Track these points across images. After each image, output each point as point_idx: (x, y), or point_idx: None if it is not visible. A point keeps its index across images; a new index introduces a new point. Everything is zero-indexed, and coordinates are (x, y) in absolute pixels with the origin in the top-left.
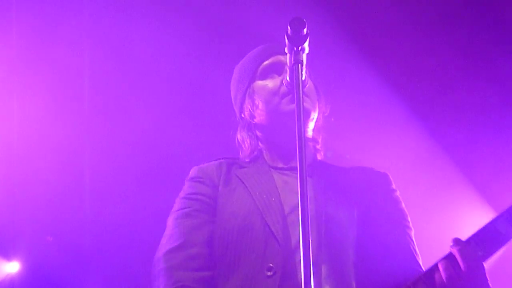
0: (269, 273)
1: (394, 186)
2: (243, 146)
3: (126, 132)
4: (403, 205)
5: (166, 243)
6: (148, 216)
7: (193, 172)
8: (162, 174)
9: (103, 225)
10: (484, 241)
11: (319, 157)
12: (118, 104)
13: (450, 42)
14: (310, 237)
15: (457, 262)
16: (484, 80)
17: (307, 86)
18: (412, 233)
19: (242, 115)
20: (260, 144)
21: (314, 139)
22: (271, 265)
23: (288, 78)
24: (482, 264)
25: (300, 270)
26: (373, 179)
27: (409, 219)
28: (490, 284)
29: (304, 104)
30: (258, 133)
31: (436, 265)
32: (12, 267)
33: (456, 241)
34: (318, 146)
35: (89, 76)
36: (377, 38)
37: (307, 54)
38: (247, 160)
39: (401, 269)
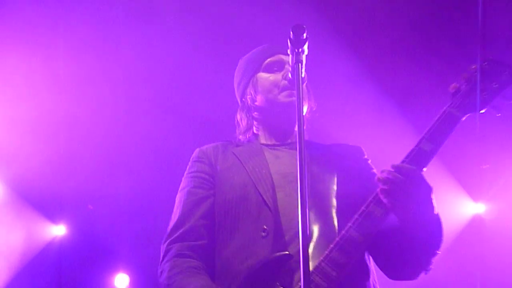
0: (263, 234)
1: (366, 156)
2: (240, 124)
3: (150, 123)
4: (375, 170)
5: (171, 221)
6: (167, 188)
7: (195, 153)
8: (175, 154)
9: (132, 196)
10: (414, 160)
11: (306, 137)
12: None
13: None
14: (305, 192)
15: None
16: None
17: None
18: None
19: (243, 99)
20: (255, 123)
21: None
22: (265, 227)
23: (290, 75)
24: (418, 172)
25: (288, 229)
26: (349, 150)
27: None
28: (428, 182)
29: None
30: (255, 115)
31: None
32: (59, 230)
33: (393, 164)
34: (305, 128)
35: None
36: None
37: (306, 55)
38: (242, 139)
39: None
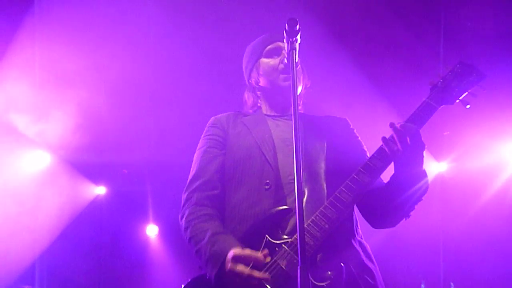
0: (266, 187)
1: (352, 126)
2: (247, 101)
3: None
4: (360, 138)
5: (189, 175)
6: (189, 154)
7: (210, 120)
8: (195, 122)
9: (158, 162)
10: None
11: (301, 110)
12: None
13: None
14: (300, 158)
15: (396, 136)
16: None
17: (298, 67)
18: (366, 149)
19: (250, 81)
20: (259, 100)
21: (298, 99)
22: (267, 181)
23: (286, 60)
24: (417, 129)
25: (286, 184)
26: (337, 121)
27: (364, 145)
28: (424, 143)
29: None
30: (259, 93)
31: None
32: (100, 190)
33: (391, 123)
34: (300, 103)
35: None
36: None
37: (299, 43)
38: (249, 111)
39: (358, 166)
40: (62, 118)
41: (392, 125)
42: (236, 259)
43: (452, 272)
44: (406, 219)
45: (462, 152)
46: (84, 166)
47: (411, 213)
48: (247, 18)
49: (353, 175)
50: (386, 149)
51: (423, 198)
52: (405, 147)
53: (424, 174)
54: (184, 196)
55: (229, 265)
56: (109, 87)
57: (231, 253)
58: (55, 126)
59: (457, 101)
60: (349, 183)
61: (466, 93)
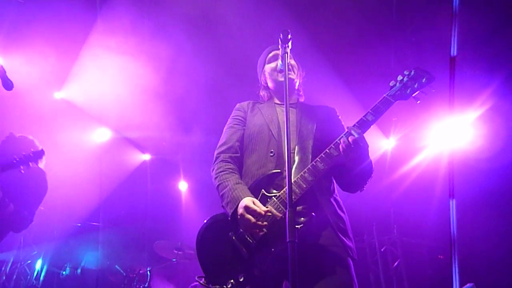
0: (271, 154)
1: (338, 114)
2: (263, 96)
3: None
4: (343, 123)
5: (219, 142)
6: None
7: (236, 106)
8: (227, 108)
9: (189, 137)
10: (361, 125)
11: (300, 99)
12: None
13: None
14: (289, 137)
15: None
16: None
17: (292, 64)
18: None
19: (262, 82)
20: (270, 94)
21: (298, 90)
22: (272, 150)
23: (280, 62)
24: (362, 136)
25: (286, 152)
26: (327, 110)
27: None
28: (366, 141)
29: (290, 76)
30: (269, 90)
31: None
32: (146, 156)
33: (348, 126)
34: (300, 93)
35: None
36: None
37: (290, 49)
38: (264, 100)
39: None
40: (118, 103)
41: (348, 128)
42: (246, 208)
43: (398, 220)
44: (361, 191)
45: (405, 132)
46: (134, 140)
47: (365, 187)
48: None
49: (326, 149)
50: (340, 147)
51: (368, 180)
52: (349, 147)
53: (369, 163)
54: (214, 155)
55: (240, 210)
56: (154, 79)
57: (244, 202)
58: (113, 109)
59: (410, 98)
60: (323, 155)
61: (418, 91)
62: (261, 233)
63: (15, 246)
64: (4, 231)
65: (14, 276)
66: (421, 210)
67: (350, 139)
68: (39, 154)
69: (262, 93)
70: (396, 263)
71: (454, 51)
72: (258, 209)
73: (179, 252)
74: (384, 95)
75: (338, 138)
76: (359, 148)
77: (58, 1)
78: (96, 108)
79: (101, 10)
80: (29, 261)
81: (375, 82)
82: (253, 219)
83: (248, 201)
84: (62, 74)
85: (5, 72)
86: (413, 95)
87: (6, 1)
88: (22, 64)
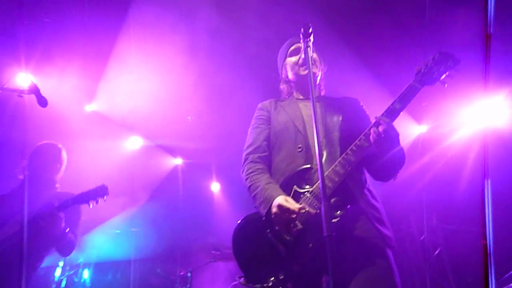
0: (299, 150)
1: (362, 104)
2: (283, 91)
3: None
4: (368, 112)
5: (245, 144)
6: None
7: (258, 106)
8: (248, 108)
9: (219, 139)
10: (389, 113)
11: (322, 93)
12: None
13: None
14: (318, 130)
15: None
16: None
17: (314, 58)
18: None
19: (283, 75)
20: (291, 88)
21: (319, 84)
22: (299, 145)
23: (303, 56)
24: (392, 124)
25: (313, 147)
26: (350, 100)
27: (371, 119)
28: (396, 129)
29: (313, 69)
30: (290, 84)
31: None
32: (178, 161)
33: (376, 116)
34: (322, 87)
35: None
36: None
37: (312, 42)
38: (285, 97)
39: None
40: (149, 112)
41: (376, 118)
42: (279, 207)
43: (436, 206)
44: (394, 179)
45: (437, 117)
46: (165, 145)
47: (397, 175)
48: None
49: (356, 141)
50: (371, 137)
51: (400, 168)
52: (379, 137)
53: (400, 152)
54: (243, 157)
55: (274, 209)
56: (182, 85)
57: (277, 201)
58: (146, 119)
59: (437, 82)
60: (353, 147)
61: (444, 75)
62: (297, 230)
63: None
64: (49, 251)
65: (63, 285)
66: (460, 195)
67: (380, 129)
68: (104, 191)
69: (282, 86)
70: (437, 251)
71: (490, 29)
72: (291, 207)
73: (217, 252)
74: (410, 82)
75: (367, 129)
76: (389, 137)
77: (82, 17)
78: (127, 117)
79: (125, 20)
80: (73, 271)
81: (401, 68)
82: (287, 217)
83: (281, 199)
84: (91, 87)
85: (39, 90)
86: (440, 79)
87: (34, 21)
88: (53, 81)
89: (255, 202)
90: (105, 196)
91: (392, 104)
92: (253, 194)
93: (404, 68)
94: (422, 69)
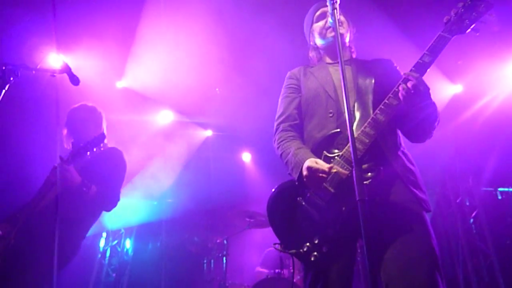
0: (330, 115)
1: (395, 64)
2: (312, 58)
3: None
4: (402, 73)
5: (276, 114)
6: (274, 94)
7: (287, 74)
8: (279, 75)
9: (248, 108)
10: (419, 68)
11: (353, 55)
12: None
13: None
14: (347, 93)
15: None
16: None
17: (341, 20)
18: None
19: (311, 42)
20: (320, 54)
21: (349, 46)
22: (331, 111)
23: (330, 19)
24: (421, 79)
25: (345, 111)
26: (383, 62)
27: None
28: (426, 83)
29: (340, 30)
30: (319, 50)
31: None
32: (208, 133)
33: (405, 73)
34: (352, 49)
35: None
36: None
37: (339, 4)
38: (315, 63)
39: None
40: (178, 86)
41: (404, 74)
42: (309, 169)
43: (472, 168)
44: (429, 138)
45: (472, 75)
46: (196, 118)
47: (433, 132)
48: None
49: (384, 100)
50: (400, 93)
51: (435, 124)
52: (409, 93)
53: (432, 106)
54: (274, 126)
55: (304, 172)
56: (213, 62)
57: (306, 164)
58: (175, 93)
59: (469, 30)
60: (382, 106)
61: (477, 22)
62: (329, 194)
63: (104, 227)
64: (97, 212)
65: (107, 254)
66: (496, 156)
67: (408, 84)
68: (100, 138)
69: (312, 54)
70: (474, 214)
71: None
72: (321, 167)
73: (251, 220)
74: (439, 32)
75: (396, 86)
76: (419, 92)
77: None
78: (156, 92)
79: None
80: (116, 241)
81: (433, 23)
82: (318, 178)
83: (310, 162)
84: (121, 64)
85: (70, 69)
86: (472, 26)
87: (62, 1)
88: (83, 60)
89: (288, 169)
90: (101, 145)
91: (421, 58)
92: (285, 161)
93: (437, 20)
94: (452, 18)
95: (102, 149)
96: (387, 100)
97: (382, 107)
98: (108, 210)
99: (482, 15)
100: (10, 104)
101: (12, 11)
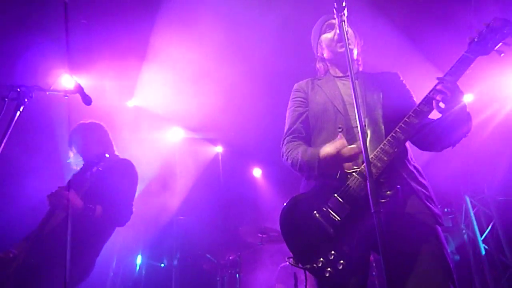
0: (339, 130)
1: (401, 78)
2: (319, 69)
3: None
4: (408, 86)
5: (284, 128)
6: (282, 108)
7: (294, 86)
8: (285, 88)
9: (260, 125)
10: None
11: (360, 68)
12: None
13: None
14: (359, 108)
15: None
16: None
17: (349, 33)
18: (413, 96)
19: (318, 54)
20: (328, 66)
21: (357, 60)
22: (340, 126)
23: (338, 31)
24: (456, 83)
25: (355, 127)
26: (390, 76)
27: (411, 92)
28: (462, 90)
29: (350, 46)
30: (326, 62)
31: (429, 93)
32: (218, 149)
33: (438, 78)
34: (359, 62)
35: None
36: None
37: (346, 16)
38: (321, 76)
39: (407, 110)
40: (187, 104)
41: (438, 78)
42: (326, 153)
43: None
44: (452, 148)
45: (482, 84)
46: (206, 135)
47: (457, 144)
48: None
49: (405, 118)
50: (433, 97)
51: (467, 134)
52: (446, 99)
53: (467, 117)
54: (282, 141)
55: (324, 160)
56: (220, 81)
57: (322, 151)
58: (185, 110)
59: (493, 51)
60: (402, 125)
61: (501, 43)
62: (347, 208)
63: (117, 243)
64: (108, 230)
65: (120, 271)
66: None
67: (443, 88)
68: (100, 157)
69: (319, 65)
70: (491, 224)
71: None
72: (338, 144)
73: (264, 235)
74: (463, 52)
75: (428, 93)
76: (455, 97)
77: (116, 16)
78: (167, 110)
79: (157, 14)
80: (128, 259)
81: (452, 41)
82: (339, 157)
83: (325, 147)
84: (131, 84)
85: (83, 89)
86: (495, 48)
87: (73, 25)
88: (94, 81)
89: (303, 172)
90: (101, 164)
91: (444, 77)
92: (297, 167)
93: (452, 36)
94: (476, 38)
95: (111, 161)
96: (408, 118)
97: (403, 125)
98: (121, 225)
99: (505, 37)
100: (23, 125)
101: (25, 36)
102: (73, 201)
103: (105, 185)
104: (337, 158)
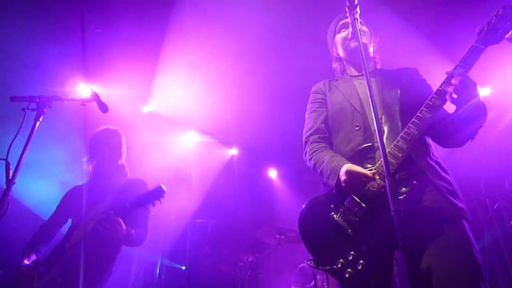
0: (357, 128)
1: (421, 73)
2: (336, 69)
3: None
4: (428, 81)
5: (304, 129)
6: (296, 108)
7: (313, 88)
8: (303, 90)
9: (277, 126)
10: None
11: (378, 66)
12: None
13: None
14: (375, 107)
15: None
16: None
17: (363, 30)
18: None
19: (334, 54)
20: (344, 65)
21: (373, 57)
22: (357, 124)
23: (351, 29)
24: (466, 74)
25: (372, 124)
26: (408, 71)
27: (432, 88)
28: (474, 81)
29: (363, 40)
30: (342, 61)
31: (440, 86)
32: (234, 151)
33: (447, 72)
34: (377, 60)
35: None
36: None
37: (359, 14)
38: (339, 76)
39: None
40: (203, 107)
41: (447, 73)
42: (348, 172)
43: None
44: (471, 141)
45: (499, 77)
46: (221, 138)
47: (476, 136)
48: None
49: (417, 113)
50: (445, 90)
51: (484, 124)
52: (457, 90)
53: (482, 106)
54: (304, 140)
55: (343, 177)
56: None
57: (344, 168)
58: (199, 113)
59: (504, 39)
60: (415, 120)
61: (511, 32)
62: (363, 207)
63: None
64: (120, 247)
65: (141, 275)
66: None
67: (454, 81)
68: (161, 192)
69: (335, 65)
70: None
71: None
72: (361, 170)
73: (282, 237)
74: (472, 43)
75: (439, 86)
76: (467, 88)
77: (129, 23)
78: (181, 114)
79: (169, 20)
80: (148, 263)
81: (462, 33)
82: (358, 181)
83: (348, 166)
84: (145, 90)
85: (99, 97)
86: (506, 36)
87: (87, 34)
88: (110, 88)
89: (323, 178)
90: (161, 198)
91: (454, 69)
92: (319, 171)
93: (466, 31)
94: (485, 28)
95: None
96: (420, 113)
97: (415, 120)
98: (138, 245)
99: None
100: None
101: (41, 47)
102: (122, 227)
103: (131, 204)
104: (355, 184)
